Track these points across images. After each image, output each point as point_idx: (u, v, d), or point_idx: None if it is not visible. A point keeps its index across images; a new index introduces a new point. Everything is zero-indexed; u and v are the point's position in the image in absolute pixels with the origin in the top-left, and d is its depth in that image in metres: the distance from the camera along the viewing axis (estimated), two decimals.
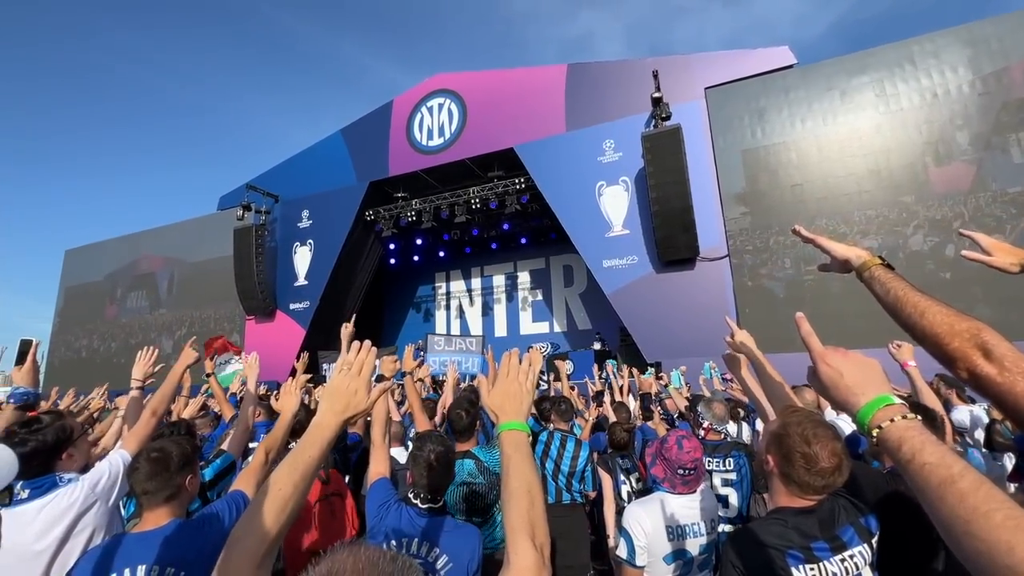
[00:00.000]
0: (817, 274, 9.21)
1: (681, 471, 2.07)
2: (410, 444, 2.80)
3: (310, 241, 14.79)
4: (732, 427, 3.92)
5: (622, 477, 2.83)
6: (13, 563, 1.43)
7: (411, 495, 1.78)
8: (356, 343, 1.10)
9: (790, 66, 10.15)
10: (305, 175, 15.26)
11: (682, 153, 9.71)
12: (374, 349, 1.13)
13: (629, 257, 10.73)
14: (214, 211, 17.02)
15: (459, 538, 1.70)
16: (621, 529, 2.00)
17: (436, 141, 13.43)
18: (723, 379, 5.48)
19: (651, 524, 1.96)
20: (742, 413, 4.16)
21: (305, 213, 15.02)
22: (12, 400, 1.59)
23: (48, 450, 1.58)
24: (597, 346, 12.43)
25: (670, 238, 9.88)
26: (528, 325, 16.80)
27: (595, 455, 3.29)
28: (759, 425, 3.52)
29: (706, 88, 10.58)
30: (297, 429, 2.05)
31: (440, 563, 1.63)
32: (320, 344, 13.99)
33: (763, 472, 1.45)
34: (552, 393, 5.43)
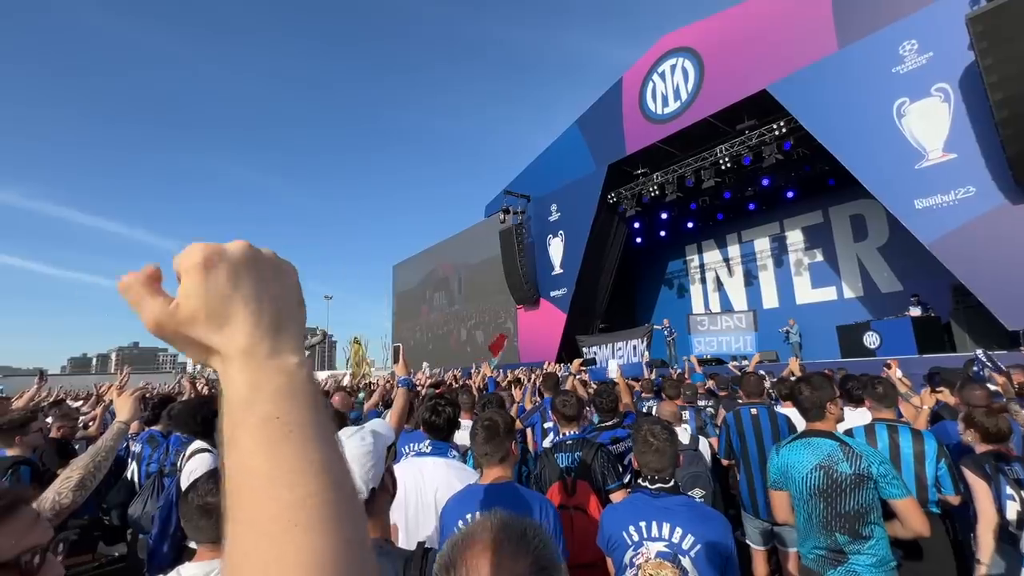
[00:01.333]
0: None
1: None
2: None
3: (561, 232, 15.93)
4: None
5: (1009, 490, 2.01)
6: (423, 506, 1.88)
7: (639, 480, 1.80)
8: None
9: None
10: (550, 172, 16.51)
11: None
12: None
13: (960, 190, 7.95)
14: (482, 218, 20.07)
15: (700, 518, 1.66)
16: None
17: (672, 106, 12.64)
18: None
19: None
20: None
21: (553, 207, 16.23)
22: (400, 384, 2.38)
23: (452, 421, 2.22)
24: (915, 311, 9.73)
25: None
26: (806, 292, 14.30)
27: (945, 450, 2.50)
28: None
29: None
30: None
31: (686, 543, 1.61)
32: (580, 328, 14.97)
33: None
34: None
